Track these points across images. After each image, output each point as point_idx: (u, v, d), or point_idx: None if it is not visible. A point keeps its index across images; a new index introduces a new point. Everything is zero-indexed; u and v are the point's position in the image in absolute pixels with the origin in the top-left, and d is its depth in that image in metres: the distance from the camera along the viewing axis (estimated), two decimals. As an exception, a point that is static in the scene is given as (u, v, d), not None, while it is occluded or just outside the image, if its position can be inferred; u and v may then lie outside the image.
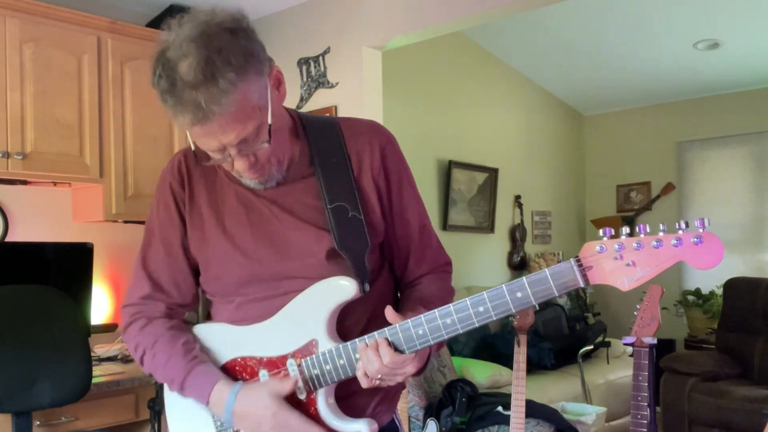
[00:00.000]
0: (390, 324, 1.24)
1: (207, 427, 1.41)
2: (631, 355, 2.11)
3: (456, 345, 4.50)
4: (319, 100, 3.47)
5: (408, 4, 3.17)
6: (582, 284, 1.09)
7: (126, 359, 3.11)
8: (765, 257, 5.80)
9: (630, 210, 6.47)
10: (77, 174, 3.05)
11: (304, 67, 3.54)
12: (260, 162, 1.27)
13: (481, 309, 1.15)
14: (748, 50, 5.18)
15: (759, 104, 5.81)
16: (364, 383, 1.25)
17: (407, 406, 2.80)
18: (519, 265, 5.88)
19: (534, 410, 3.31)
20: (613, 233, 1.07)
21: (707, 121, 6.08)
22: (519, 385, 2.63)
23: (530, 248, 6.04)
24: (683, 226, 1.02)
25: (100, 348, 3.19)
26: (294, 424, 1.29)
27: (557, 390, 4.40)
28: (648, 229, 1.04)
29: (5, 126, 2.82)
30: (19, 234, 3.16)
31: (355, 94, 3.32)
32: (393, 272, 1.46)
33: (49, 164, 2.95)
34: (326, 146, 1.38)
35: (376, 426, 1.31)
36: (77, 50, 3.04)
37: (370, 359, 1.22)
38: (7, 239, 3.12)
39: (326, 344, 1.29)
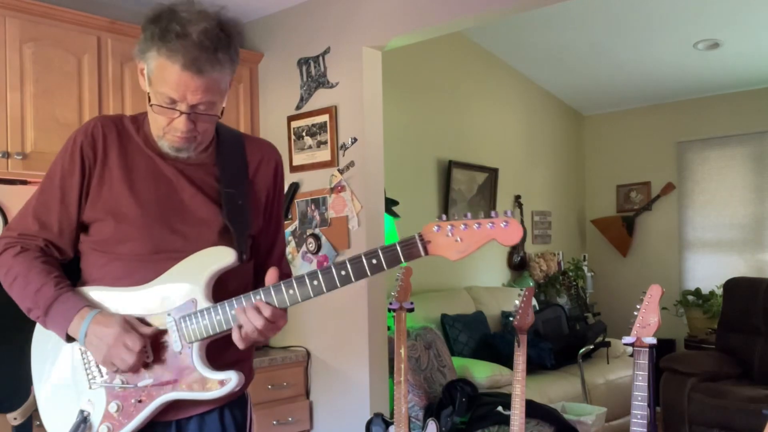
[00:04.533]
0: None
1: (76, 374, 1.53)
2: (631, 355, 2.12)
3: (456, 345, 4.50)
4: (319, 100, 3.47)
5: (408, 4, 3.17)
6: (422, 254, 1.37)
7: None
8: (765, 257, 5.80)
9: (630, 210, 6.47)
10: (77, 174, 3.04)
11: (304, 67, 3.54)
12: (194, 132, 1.48)
13: (343, 273, 1.40)
14: (748, 50, 5.19)
15: (759, 104, 5.81)
16: (241, 344, 1.46)
17: (407, 406, 2.80)
18: (519, 265, 5.89)
19: (534, 410, 3.31)
20: (445, 218, 1.39)
21: (707, 121, 6.08)
22: (519, 385, 2.63)
23: (530, 248, 6.04)
24: (493, 214, 1.37)
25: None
26: (129, 344, 1.43)
27: (557, 390, 4.40)
28: (469, 215, 1.38)
29: (5, 126, 2.82)
30: (19, 234, 3.15)
31: (355, 94, 3.32)
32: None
33: (49, 164, 2.94)
34: (230, 148, 1.63)
35: (243, 378, 1.49)
36: (77, 50, 3.04)
37: (253, 318, 1.43)
38: (7, 239, 3.12)
39: (204, 303, 1.47)
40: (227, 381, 1.46)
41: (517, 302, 2.71)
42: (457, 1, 3.04)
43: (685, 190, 6.20)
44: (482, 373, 4.07)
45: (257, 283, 1.60)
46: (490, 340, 4.61)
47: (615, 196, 6.59)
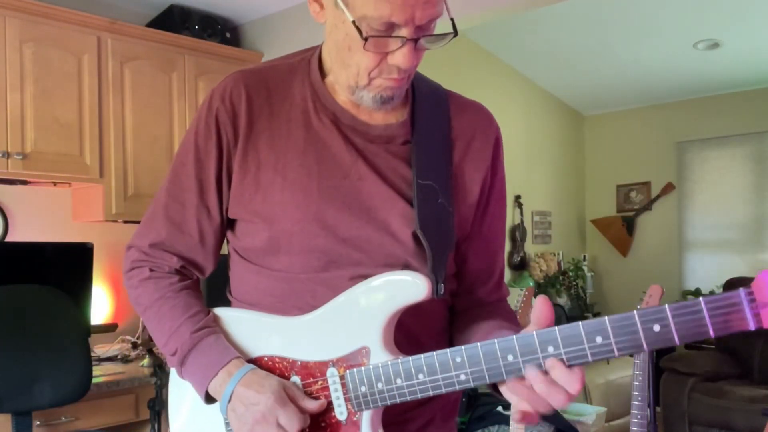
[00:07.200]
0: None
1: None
2: (631, 355, 2.12)
3: (456, 345, 4.50)
4: (319, 100, 3.47)
5: (408, 4, 3.17)
6: (752, 326, 0.78)
7: (126, 359, 3.10)
8: (765, 257, 5.80)
9: (630, 210, 6.47)
10: (77, 174, 3.05)
11: (304, 67, 3.53)
12: (415, 67, 1.03)
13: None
14: (748, 50, 5.18)
15: (759, 104, 5.81)
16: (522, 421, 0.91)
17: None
18: (519, 265, 5.89)
19: (534, 410, 3.30)
20: None
21: (707, 121, 6.08)
22: (519, 385, 2.62)
23: (530, 248, 6.04)
24: None
25: (100, 348, 3.19)
26: (283, 421, 1.00)
27: (557, 390, 4.40)
28: None
29: (5, 126, 2.82)
30: (19, 234, 3.15)
31: (355, 94, 3.32)
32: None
33: (49, 164, 2.95)
34: (430, 113, 1.12)
35: None
36: (77, 50, 3.04)
37: (554, 392, 0.86)
38: (7, 239, 3.12)
39: (380, 355, 0.99)
40: None
41: (516, 302, 2.71)
42: (458, 1, 3.04)
43: (685, 190, 6.20)
44: (482, 373, 4.07)
45: (457, 325, 1.14)
46: (490, 340, 4.61)
47: (615, 196, 6.59)
